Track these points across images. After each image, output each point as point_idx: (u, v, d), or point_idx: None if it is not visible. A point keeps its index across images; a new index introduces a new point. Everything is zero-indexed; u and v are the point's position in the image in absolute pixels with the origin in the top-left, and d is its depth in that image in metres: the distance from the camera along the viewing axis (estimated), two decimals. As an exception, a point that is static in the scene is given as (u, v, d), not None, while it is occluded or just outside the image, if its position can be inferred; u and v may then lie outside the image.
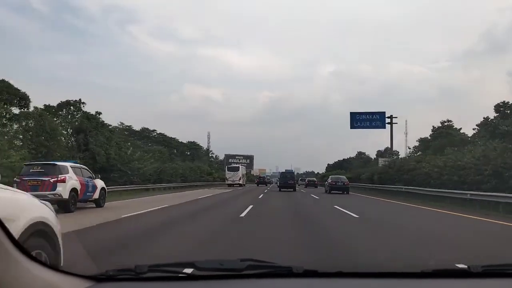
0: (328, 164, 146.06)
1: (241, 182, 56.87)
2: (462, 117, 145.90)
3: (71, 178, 13.93)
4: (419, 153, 62.31)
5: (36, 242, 2.75)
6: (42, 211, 3.02)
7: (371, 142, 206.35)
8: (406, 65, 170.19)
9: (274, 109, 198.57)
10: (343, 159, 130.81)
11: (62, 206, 13.32)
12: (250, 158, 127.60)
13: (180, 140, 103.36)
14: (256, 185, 64.48)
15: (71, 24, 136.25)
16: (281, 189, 35.15)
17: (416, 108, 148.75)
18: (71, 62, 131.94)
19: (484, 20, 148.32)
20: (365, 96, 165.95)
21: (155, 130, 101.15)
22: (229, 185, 53.55)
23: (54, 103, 33.99)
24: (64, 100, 33.87)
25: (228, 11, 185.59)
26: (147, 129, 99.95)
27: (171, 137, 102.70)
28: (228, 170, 61.10)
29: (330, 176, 37.88)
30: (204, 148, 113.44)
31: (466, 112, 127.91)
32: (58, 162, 14.86)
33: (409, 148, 68.32)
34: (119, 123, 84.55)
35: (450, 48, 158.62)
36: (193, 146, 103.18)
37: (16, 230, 2.48)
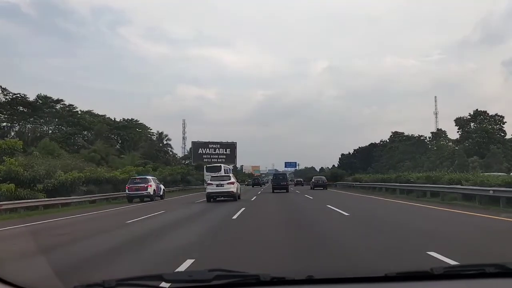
0: (343, 155, 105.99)
1: None
2: (456, 108, 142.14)
3: (153, 184, 26.49)
4: None
5: (240, 189, 26.10)
6: (239, 186, 25.15)
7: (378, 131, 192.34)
8: (400, 59, 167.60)
9: (269, 107, 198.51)
10: (371, 143, 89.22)
11: (150, 198, 26.03)
12: (230, 147, 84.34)
13: (111, 117, 60.69)
14: (251, 186, 63.41)
15: (61, 28, 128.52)
16: (274, 191, 34.59)
17: (410, 101, 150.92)
18: (63, 66, 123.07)
19: (479, 9, 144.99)
20: (360, 90, 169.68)
21: (61, 100, 57.87)
22: None
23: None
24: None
25: (219, 10, 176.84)
26: (49, 98, 56.77)
27: (99, 114, 59.99)
28: (207, 171, 47.86)
29: (313, 177, 47.55)
30: (155, 132, 70.31)
31: (460, 104, 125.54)
32: (147, 176, 27.95)
33: None
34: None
35: (444, 39, 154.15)
36: (124, 125, 60.00)
37: (239, 188, 25.26)
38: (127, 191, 25.69)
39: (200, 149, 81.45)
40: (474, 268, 1.85)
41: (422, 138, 69.50)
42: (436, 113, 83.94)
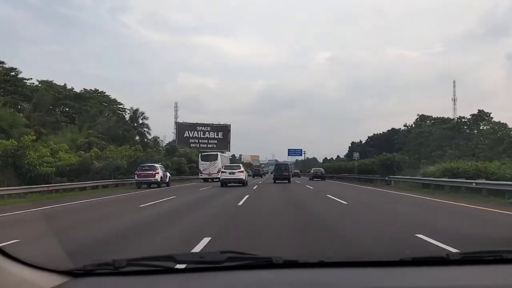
0: (353, 143, 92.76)
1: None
2: (459, 102, 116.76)
3: (160, 172, 27.71)
4: None
5: (247, 176, 30.52)
6: (246, 174, 29.51)
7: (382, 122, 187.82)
8: (403, 51, 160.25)
9: (270, 97, 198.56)
10: (392, 129, 75.54)
11: (157, 185, 27.14)
12: (223, 130, 70.46)
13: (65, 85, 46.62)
14: (251, 176, 58.80)
15: (61, 13, 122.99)
16: (276, 181, 33.48)
17: (412, 93, 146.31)
18: (62, 53, 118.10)
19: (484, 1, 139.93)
20: (363, 81, 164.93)
21: (1, 62, 43.74)
22: (205, 179, 41.52)
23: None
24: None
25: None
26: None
27: (56, 83, 45.79)
28: (202, 160, 43.87)
29: (312, 168, 48.57)
30: (128, 109, 56.47)
31: (463, 97, 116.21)
32: (155, 164, 28.99)
33: None
34: None
35: (448, 32, 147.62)
36: (77, 94, 45.65)
37: (247, 176, 30.08)
38: (136, 177, 27.17)
39: (186, 132, 67.63)
40: (491, 254, 1.83)
41: (463, 120, 55.60)
42: (454, 100, 75.13)
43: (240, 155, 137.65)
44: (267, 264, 1.72)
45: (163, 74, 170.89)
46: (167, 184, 29.07)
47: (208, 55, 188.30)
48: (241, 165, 31.02)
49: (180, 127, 66.98)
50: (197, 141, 66.76)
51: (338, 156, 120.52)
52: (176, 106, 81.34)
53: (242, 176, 26.76)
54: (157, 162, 32.33)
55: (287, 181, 32.63)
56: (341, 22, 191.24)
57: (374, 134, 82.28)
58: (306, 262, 1.75)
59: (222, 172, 27.86)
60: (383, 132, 76.72)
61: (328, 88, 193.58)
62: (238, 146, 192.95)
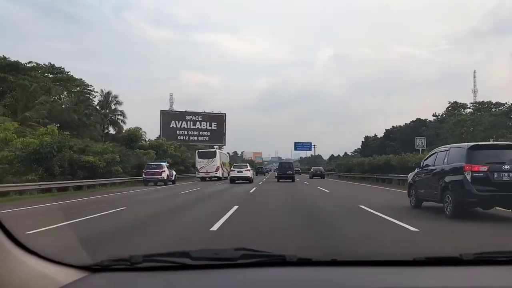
0: (367, 137, 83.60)
1: (219, 174, 38.83)
2: (464, 100, 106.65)
3: (166, 170, 28.91)
4: None
5: (253, 175, 36.23)
6: (252, 173, 33.78)
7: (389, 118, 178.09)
8: (408, 48, 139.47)
9: (273, 94, 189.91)
10: (417, 119, 64.09)
11: (164, 182, 28.33)
12: (217, 120, 59.44)
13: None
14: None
15: (65, 11, 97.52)
16: (280, 180, 33.63)
17: (417, 91, 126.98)
18: (67, 50, 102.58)
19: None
20: (366, 79, 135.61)
21: None
22: (202, 178, 38.18)
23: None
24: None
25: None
26: None
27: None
28: (198, 157, 39.69)
29: (312, 167, 51.95)
30: (97, 91, 45.78)
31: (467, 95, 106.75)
32: (161, 163, 30.09)
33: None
34: None
35: (452, 30, 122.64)
36: (12, 64, 34.63)
37: (253, 174, 36.92)
38: (143, 175, 28.56)
39: (172, 122, 56.65)
40: (504, 254, 1.82)
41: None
42: (475, 91, 69.67)
43: (242, 152, 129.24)
44: (281, 261, 1.73)
45: (165, 72, 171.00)
46: (173, 182, 30.37)
47: (212, 53, 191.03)
48: (247, 164, 35.69)
49: (165, 116, 56.11)
50: (186, 132, 55.93)
51: (345, 153, 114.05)
52: (171, 98, 70.86)
53: (249, 174, 30.86)
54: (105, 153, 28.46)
55: (291, 180, 32.57)
56: (348, 19, 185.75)
57: (393, 126, 71.54)
58: (319, 261, 1.77)
59: (231, 170, 32.37)
60: (405, 124, 65.84)
61: (332, 85, 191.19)
62: (240, 142, 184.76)
